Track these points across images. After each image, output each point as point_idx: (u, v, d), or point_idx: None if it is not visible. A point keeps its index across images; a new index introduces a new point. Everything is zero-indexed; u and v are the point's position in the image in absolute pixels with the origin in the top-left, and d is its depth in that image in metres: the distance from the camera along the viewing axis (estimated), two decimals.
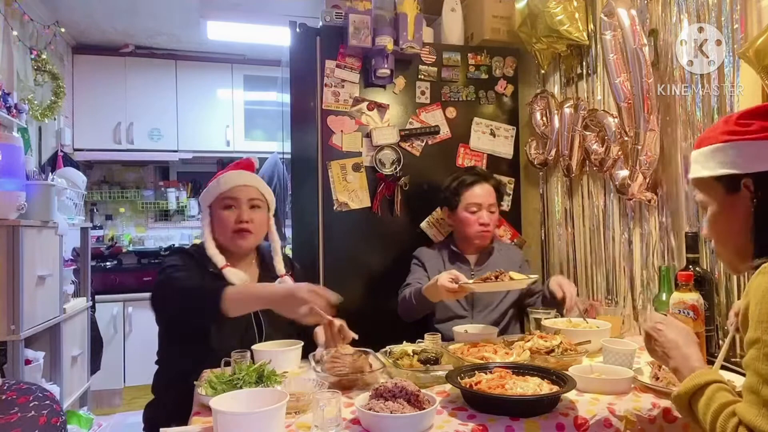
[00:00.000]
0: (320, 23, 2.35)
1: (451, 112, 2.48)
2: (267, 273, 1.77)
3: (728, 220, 0.99)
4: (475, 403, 1.20)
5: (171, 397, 1.53)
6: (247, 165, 1.83)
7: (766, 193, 0.93)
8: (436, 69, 2.46)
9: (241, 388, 1.21)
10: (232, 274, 1.63)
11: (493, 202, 2.12)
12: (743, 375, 1.25)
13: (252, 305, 1.48)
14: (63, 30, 3.75)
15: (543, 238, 2.58)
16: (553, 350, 1.50)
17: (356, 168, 2.35)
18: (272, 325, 1.67)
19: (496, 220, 2.15)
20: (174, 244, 4.51)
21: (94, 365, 3.09)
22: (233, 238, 1.69)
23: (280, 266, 1.77)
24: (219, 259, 1.65)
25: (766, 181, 0.93)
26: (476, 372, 1.30)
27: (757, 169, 0.94)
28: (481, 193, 2.11)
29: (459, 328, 1.82)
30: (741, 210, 0.96)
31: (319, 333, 1.65)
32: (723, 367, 1.35)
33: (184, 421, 1.22)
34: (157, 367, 1.71)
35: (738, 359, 1.44)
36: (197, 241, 1.81)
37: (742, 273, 1.27)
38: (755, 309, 0.85)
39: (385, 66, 2.31)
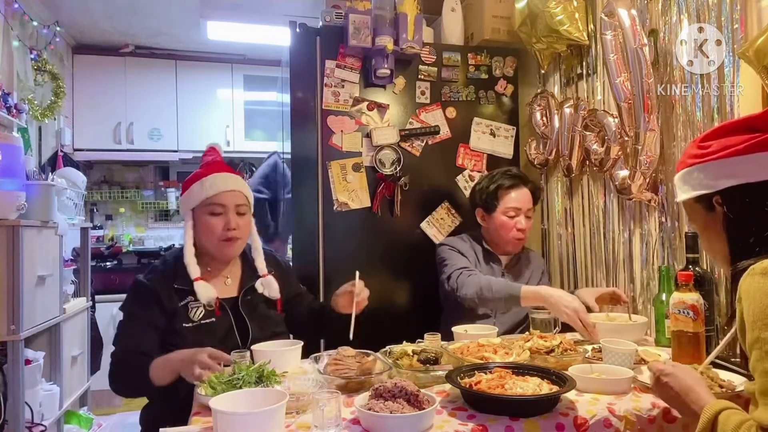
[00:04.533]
0: (320, 23, 2.35)
1: (451, 112, 2.48)
2: (250, 272, 1.75)
3: (713, 235, 1.06)
4: (475, 403, 1.20)
5: (163, 401, 1.53)
6: (221, 161, 1.77)
7: (733, 206, 1.01)
8: (436, 69, 2.46)
9: (241, 388, 1.21)
10: (202, 288, 1.60)
11: (531, 207, 2.11)
12: (742, 375, 1.26)
13: (168, 375, 1.43)
14: (63, 30, 3.75)
15: (543, 238, 2.58)
16: (553, 350, 1.50)
17: (356, 168, 2.35)
18: (260, 331, 1.65)
19: (531, 226, 2.13)
20: (174, 244, 4.51)
21: (94, 365, 3.09)
22: (221, 247, 1.65)
23: (261, 266, 1.74)
24: (193, 270, 1.61)
25: (732, 195, 1.01)
26: (476, 372, 1.30)
27: (722, 186, 1.01)
28: (520, 197, 2.08)
29: (459, 329, 1.82)
30: (720, 225, 1.03)
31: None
32: (723, 367, 1.35)
33: (182, 422, 1.22)
34: None
35: (738, 359, 1.44)
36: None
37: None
38: (749, 311, 0.88)
39: (385, 66, 2.31)
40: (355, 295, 1.64)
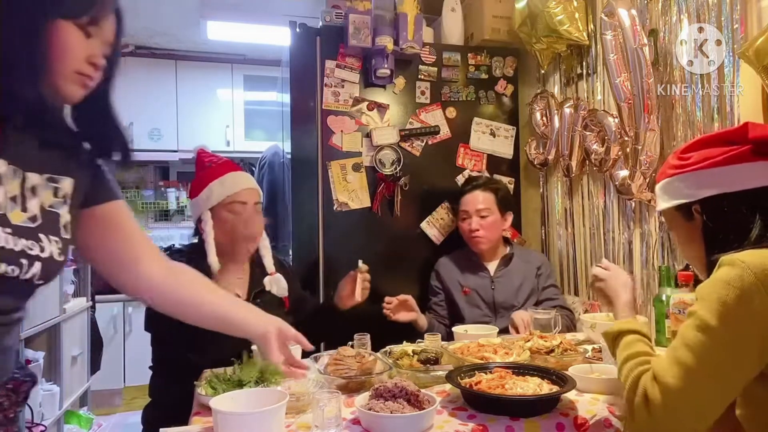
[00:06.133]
0: (320, 23, 2.35)
1: (451, 112, 2.48)
2: (258, 270, 1.75)
3: (691, 243, 1.10)
4: (475, 403, 1.20)
5: (169, 400, 1.52)
6: (229, 161, 1.77)
7: (711, 215, 1.05)
8: (436, 69, 2.46)
9: (241, 387, 1.21)
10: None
11: (484, 207, 2.13)
12: None
13: None
14: None
15: (543, 238, 2.58)
16: (553, 350, 1.50)
17: (356, 168, 2.35)
18: None
19: (490, 226, 2.13)
20: (174, 245, 4.50)
21: (94, 365, 3.09)
22: (244, 243, 1.67)
23: (269, 264, 1.75)
24: (215, 267, 1.62)
25: (710, 204, 1.05)
26: (476, 372, 1.30)
27: (701, 195, 1.05)
28: (469, 199, 2.16)
29: (459, 329, 1.82)
30: (698, 233, 1.08)
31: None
32: None
33: (183, 422, 1.22)
34: (151, 371, 1.70)
35: None
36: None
37: None
38: (703, 287, 0.95)
39: (385, 66, 2.31)
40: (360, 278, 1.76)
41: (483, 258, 2.18)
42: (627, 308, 1.20)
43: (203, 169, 1.73)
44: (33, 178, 0.89)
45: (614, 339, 1.11)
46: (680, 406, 0.90)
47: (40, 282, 0.89)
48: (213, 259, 1.62)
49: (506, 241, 2.26)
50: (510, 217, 2.22)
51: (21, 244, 0.84)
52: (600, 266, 1.31)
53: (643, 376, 0.96)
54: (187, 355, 1.53)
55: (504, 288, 2.12)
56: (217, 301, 1.14)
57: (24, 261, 0.85)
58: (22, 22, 0.83)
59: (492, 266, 2.17)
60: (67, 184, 0.95)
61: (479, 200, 2.15)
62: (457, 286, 2.15)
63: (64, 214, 0.93)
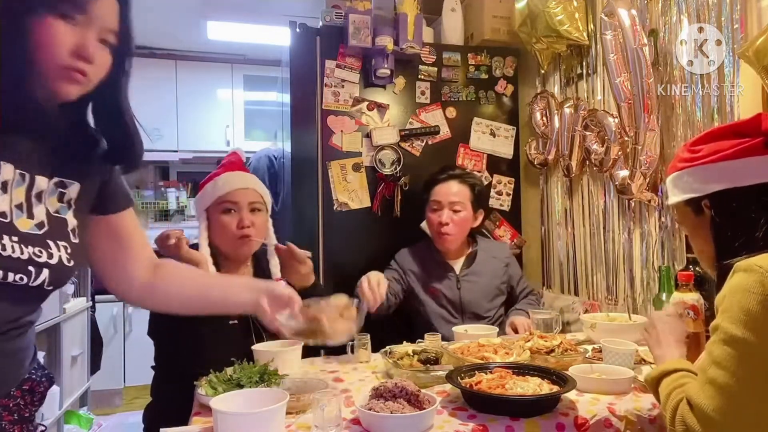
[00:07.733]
0: (320, 23, 2.36)
1: (451, 112, 2.48)
2: (261, 276, 1.69)
3: (701, 238, 1.08)
4: (475, 403, 1.20)
5: (170, 399, 1.52)
6: (237, 162, 1.76)
7: (720, 210, 1.03)
8: (436, 69, 2.46)
9: (242, 387, 1.21)
10: None
11: (458, 201, 2.03)
12: None
13: None
14: None
15: (543, 238, 2.58)
16: (553, 350, 1.50)
17: (356, 168, 2.35)
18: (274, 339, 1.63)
19: (461, 222, 2.04)
20: None
21: (94, 365, 3.08)
22: (236, 245, 1.63)
23: (276, 269, 1.70)
24: (212, 269, 1.59)
25: (719, 199, 1.02)
26: (476, 372, 1.30)
27: (711, 189, 1.02)
28: (442, 190, 2.05)
29: (459, 328, 1.82)
30: (707, 228, 1.05)
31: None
32: None
33: (184, 422, 1.22)
34: (153, 371, 1.69)
35: None
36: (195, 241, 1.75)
37: None
38: (723, 300, 0.92)
39: (385, 66, 2.31)
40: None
41: (447, 256, 2.10)
42: (676, 354, 1.10)
43: (216, 170, 1.73)
44: (41, 182, 0.86)
45: (660, 380, 1.03)
46: (722, 429, 0.85)
47: (51, 288, 0.87)
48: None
49: (471, 237, 2.17)
50: (481, 217, 2.14)
51: (28, 251, 0.82)
52: (660, 316, 1.22)
53: (680, 405, 0.91)
54: (189, 360, 1.52)
55: (471, 287, 2.06)
56: (203, 286, 1.13)
57: (32, 269, 0.83)
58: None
59: (457, 265, 2.10)
60: (73, 189, 0.93)
61: (453, 192, 2.04)
62: (419, 285, 2.07)
63: (71, 219, 0.91)
